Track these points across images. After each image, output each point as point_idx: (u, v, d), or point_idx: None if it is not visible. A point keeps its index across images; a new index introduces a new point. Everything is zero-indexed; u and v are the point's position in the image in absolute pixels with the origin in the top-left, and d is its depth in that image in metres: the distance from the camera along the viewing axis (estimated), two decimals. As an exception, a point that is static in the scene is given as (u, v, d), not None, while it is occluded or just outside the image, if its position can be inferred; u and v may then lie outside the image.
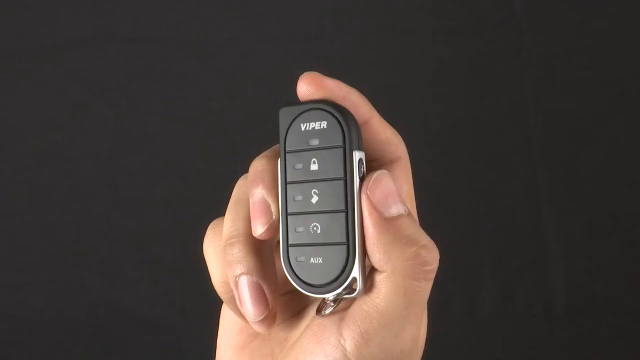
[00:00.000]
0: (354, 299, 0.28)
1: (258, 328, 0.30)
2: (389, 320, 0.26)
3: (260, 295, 0.29)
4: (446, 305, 0.71)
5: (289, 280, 0.29)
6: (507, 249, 0.73)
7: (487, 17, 0.76)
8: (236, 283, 0.29)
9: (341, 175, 0.28)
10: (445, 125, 0.75)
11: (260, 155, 0.31)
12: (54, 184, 0.75)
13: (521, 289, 0.72)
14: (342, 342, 0.27)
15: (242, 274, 0.29)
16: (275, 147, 0.31)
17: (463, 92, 0.75)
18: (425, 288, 0.27)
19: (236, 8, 0.78)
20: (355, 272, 0.27)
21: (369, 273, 0.28)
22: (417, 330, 0.28)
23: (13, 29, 0.77)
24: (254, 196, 0.29)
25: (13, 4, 0.78)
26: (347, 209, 0.28)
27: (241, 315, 0.30)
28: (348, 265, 0.27)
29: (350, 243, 0.27)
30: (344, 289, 0.28)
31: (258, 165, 0.30)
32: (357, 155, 0.28)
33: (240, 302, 0.29)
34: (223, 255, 0.30)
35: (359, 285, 0.27)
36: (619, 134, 0.73)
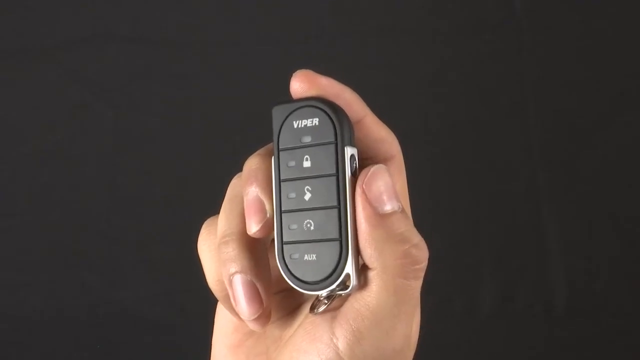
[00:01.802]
0: (347, 296, 0.28)
1: (253, 326, 0.30)
2: (380, 318, 0.27)
3: (254, 294, 0.29)
4: (446, 305, 0.71)
5: (284, 278, 0.29)
6: (507, 249, 0.73)
7: (487, 17, 0.76)
8: (230, 281, 0.29)
9: (333, 171, 0.28)
10: (445, 125, 0.75)
11: (254, 153, 0.31)
12: (54, 184, 0.75)
13: (521, 289, 0.72)
14: (334, 340, 0.27)
15: (236, 272, 0.29)
16: (269, 145, 0.31)
17: (463, 92, 0.75)
18: (415, 286, 0.27)
19: (236, 8, 0.78)
20: (349, 268, 0.27)
21: (361, 269, 0.28)
22: (408, 328, 0.28)
23: (13, 29, 0.77)
24: (248, 194, 0.29)
25: (13, 4, 0.77)
26: (340, 205, 0.27)
27: (236, 314, 0.30)
28: (341, 261, 0.27)
29: (343, 239, 0.27)
30: (337, 285, 0.27)
31: (252, 163, 0.30)
32: (349, 151, 0.28)
33: (234, 300, 0.29)
34: (217, 254, 0.30)
35: (352, 281, 0.27)
36: (619, 134, 0.73)
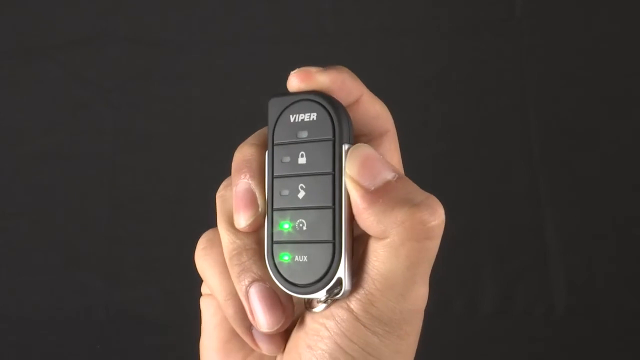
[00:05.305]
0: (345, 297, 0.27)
1: (269, 348, 0.28)
2: (392, 283, 0.26)
3: (274, 302, 0.27)
4: (446, 305, 0.71)
5: (272, 279, 0.28)
6: (507, 249, 0.73)
7: (487, 17, 0.76)
8: (247, 293, 0.27)
9: (329, 169, 0.26)
10: (445, 125, 0.75)
11: (247, 142, 0.29)
12: (54, 184, 0.75)
13: (521, 289, 0.72)
14: (347, 302, 0.26)
15: (253, 281, 0.27)
16: (262, 132, 0.30)
17: (463, 92, 0.75)
18: (430, 246, 0.26)
19: (236, 8, 0.78)
20: (341, 272, 0.26)
21: (373, 239, 0.26)
22: (425, 288, 0.27)
23: (13, 29, 0.77)
24: (238, 185, 0.28)
25: (13, 4, 0.77)
26: (335, 206, 0.26)
27: (250, 337, 0.29)
28: (333, 264, 0.26)
29: (336, 241, 0.26)
30: (328, 290, 0.26)
31: (246, 153, 0.29)
32: (347, 149, 0.27)
33: (251, 313, 0.27)
34: (229, 267, 0.28)
35: (344, 286, 0.26)
36: (619, 134, 0.73)
